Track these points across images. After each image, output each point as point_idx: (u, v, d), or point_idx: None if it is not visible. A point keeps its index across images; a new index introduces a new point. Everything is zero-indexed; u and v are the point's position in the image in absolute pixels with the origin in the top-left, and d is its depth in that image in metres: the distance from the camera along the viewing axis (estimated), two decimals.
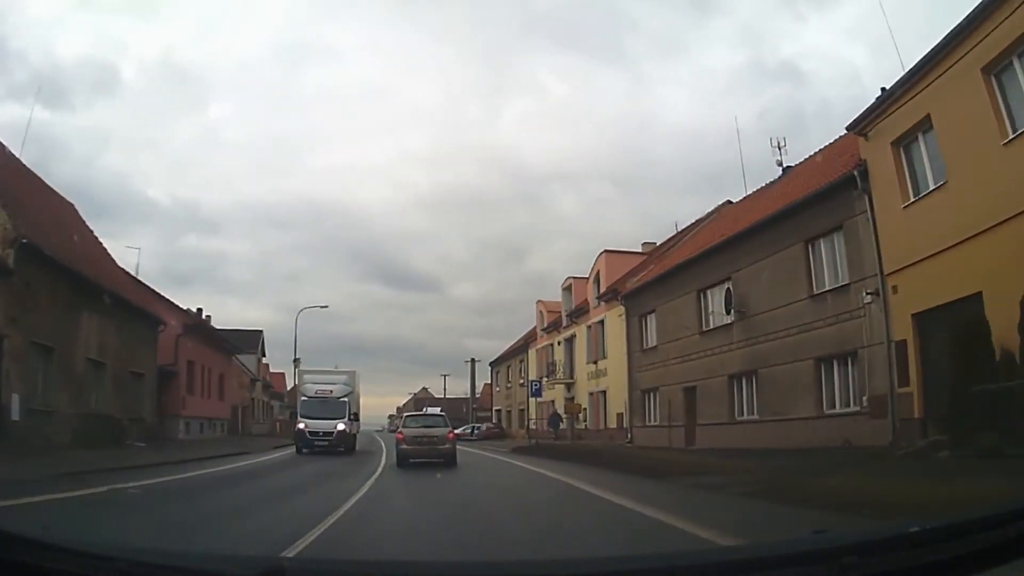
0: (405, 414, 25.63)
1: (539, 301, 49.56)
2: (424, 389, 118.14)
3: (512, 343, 58.66)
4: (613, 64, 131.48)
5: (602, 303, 37.74)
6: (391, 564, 2.75)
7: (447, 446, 18.69)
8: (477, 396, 78.17)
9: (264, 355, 57.39)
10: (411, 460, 18.37)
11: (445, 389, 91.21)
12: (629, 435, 32.67)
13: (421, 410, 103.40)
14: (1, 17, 78.52)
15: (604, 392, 37.02)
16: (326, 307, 48.03)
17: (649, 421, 31.44)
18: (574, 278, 43.11)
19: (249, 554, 3.60)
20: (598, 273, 38.85)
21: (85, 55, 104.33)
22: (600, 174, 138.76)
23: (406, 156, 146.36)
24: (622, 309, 34.26)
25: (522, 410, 52.46)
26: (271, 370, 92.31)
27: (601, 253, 38.86)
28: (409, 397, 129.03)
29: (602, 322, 37.71)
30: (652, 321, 31.45)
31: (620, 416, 34.56)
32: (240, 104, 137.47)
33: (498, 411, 61.29)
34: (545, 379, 46.03)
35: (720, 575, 1.89)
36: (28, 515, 8.41)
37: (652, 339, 31.25)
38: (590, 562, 2.62)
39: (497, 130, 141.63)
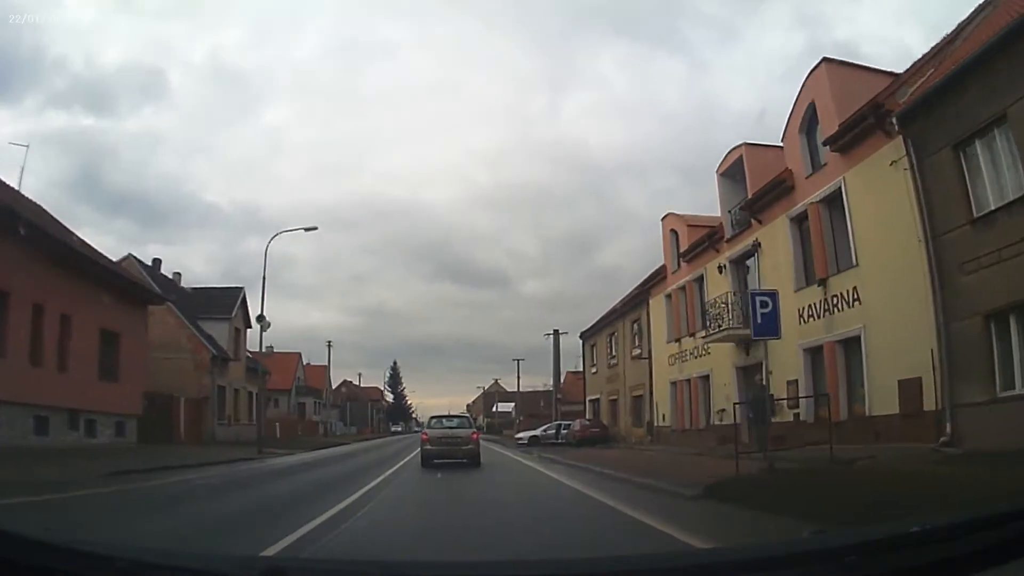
0: (431, 415, 22.15)
1: (669, 215, 29.86)
2: (496, 382, 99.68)
3: (612, 304, 39.18)
4: (672, 52, 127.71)
5: (830, 160, 18.00)
6: (391, 564, 2.51)
7: (470, 446, 18.15)
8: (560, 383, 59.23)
9: (250, 325, 39.63)
10: (435, 460, 17.90)
11: (519, 377, 73.02)
12: (947, 428, 13.40)
13: (492, 407, 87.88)
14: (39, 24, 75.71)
15: (851, 341, 17.25)
16: (314, 229, 28.93)
17: (1011, 386, 12.03)
18: (748, 145, 23.31)
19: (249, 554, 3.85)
20: (811, 108, 19.09)
21: (129, 60, 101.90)
22: (665, 165, 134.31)
23: (470, 153, 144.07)
24: (896, 149, 14.88)
25: (638, 396, 32.92)
26: (306, 363, 76.82)
27: (819, 65, 19.00)
28: (479, 393, 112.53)
29: (836, 197, 17.95)
30: (1000, 143, 12.00)
31: (910, 385, 14.79)
32: (298, 106, 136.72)
33: (593, 401, 41.89)
34: (690, 338, 26.64)
35: (721, 575, 1.82)
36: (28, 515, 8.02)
37: (1006, 186, 11.82)
38: (590, 562, 2.44)
39: (560, 123, 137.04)
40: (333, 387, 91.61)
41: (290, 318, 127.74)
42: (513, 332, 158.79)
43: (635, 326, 33.69)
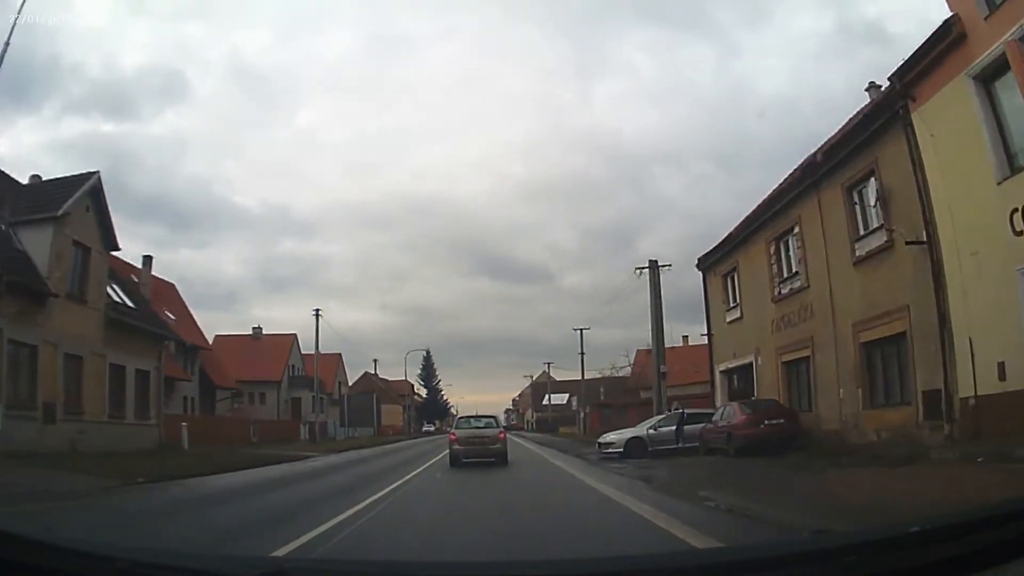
0: (458, 416, 24.50)
1: None
2: (547, 368, 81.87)
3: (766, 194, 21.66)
4: (701, 36, 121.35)
5: None
6: (391, 564, 2.55)
7: (498, 446, 18.74)
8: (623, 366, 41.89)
9: (116, 246, 22.73)
10: (463, 460, 18.36)
11: (583, 353, 55.01)
12: None
13: (543, 399, 72.81)
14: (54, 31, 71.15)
15: None
16: None
17: None
18: None
19: (249, 555, 3.77)
20: None
21: (148, 64, 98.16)
22: (700, 152, 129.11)
23: (503, 145, 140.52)
24: None
25: (883, 340, 15.16)
26: (309, 351, 60.65)
27: None
28: (526, 384, 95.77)
29: None
30: None
31: None
32: (326, 105, 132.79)
33: (730, 372, 24.46)
34: None
35: (722, 575, 1.80)
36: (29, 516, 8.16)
37: None
38: (593, 562, 2.44)
39: (593, 113, 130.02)
40: (350, 381, 75.70)
41: (330, 315, 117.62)
42: (555, 326, 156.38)
43: (858, 194, 16.09)
